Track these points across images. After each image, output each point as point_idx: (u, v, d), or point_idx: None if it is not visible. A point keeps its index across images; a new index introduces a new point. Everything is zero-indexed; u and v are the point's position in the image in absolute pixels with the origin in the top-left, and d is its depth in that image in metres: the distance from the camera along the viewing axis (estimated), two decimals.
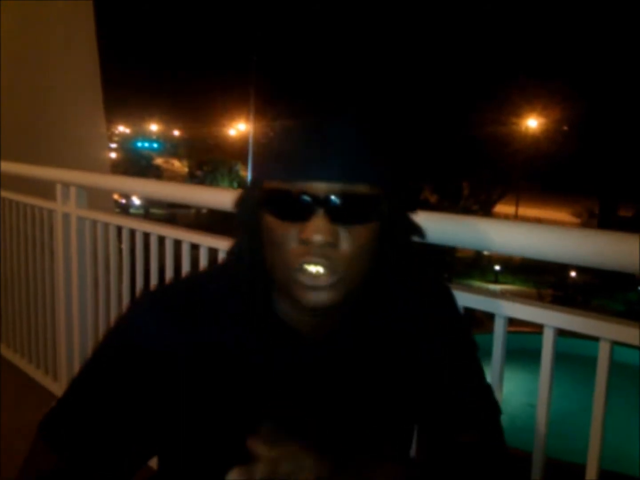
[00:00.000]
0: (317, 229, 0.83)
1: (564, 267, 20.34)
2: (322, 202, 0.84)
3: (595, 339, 1.24)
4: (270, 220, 0.87)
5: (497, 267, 22.69)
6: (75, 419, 0.92)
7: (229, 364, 0.93)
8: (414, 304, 1.02)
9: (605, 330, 1.20)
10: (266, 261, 0.91)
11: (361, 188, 0.85)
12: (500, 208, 28.01)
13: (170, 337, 0.92)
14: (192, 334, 0.92)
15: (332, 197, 0.84)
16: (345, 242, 0.85)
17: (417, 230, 0.98)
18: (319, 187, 0.84)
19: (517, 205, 28.04)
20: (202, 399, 0.93)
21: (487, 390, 1.05)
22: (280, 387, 0.95)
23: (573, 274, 20.74)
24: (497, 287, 20.46)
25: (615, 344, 1.21)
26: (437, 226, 1.42)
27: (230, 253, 0.98)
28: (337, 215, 0.84)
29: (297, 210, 0.85)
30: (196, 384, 0.92)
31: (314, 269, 0.85)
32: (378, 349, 0.99)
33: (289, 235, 0.85)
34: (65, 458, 0.90)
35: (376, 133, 0.89)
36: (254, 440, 0.75)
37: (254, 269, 0.93)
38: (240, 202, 0.95)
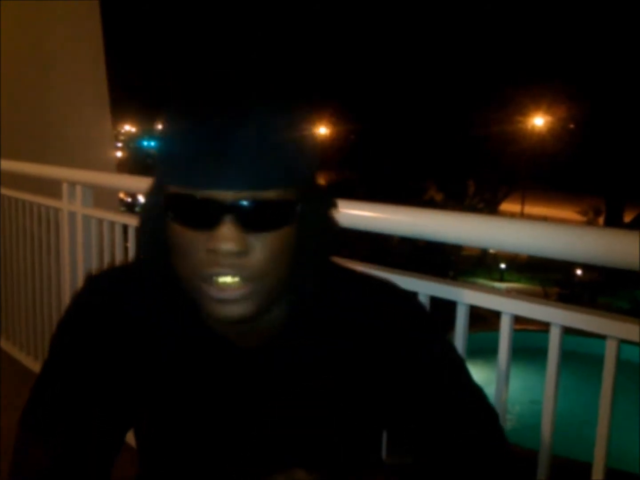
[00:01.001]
0: (225, 238, 0.77)
1: (570, 265, 20.27)
2: (229, 208, 0.77)
3: (600, 337, 1.23)
4: (176, 228, 0.81)
5: (502, 265, 22.64)
6: (52, 402, 0.93)
7: (157, 359, 0.94)
8: (355, 300, 0.94)
9: (611, 328, 1.20)
10: (177, 272, 0.85)
11: (271, 193, 0.79)
12: (506, 206, 27.94)
13: (114, 319, 0.94)
14: (127, 320, 0.94)
15: (240, 203, 0.77)
16: (257, 250, 0.80)
17: (335, 225, 0.92)
18: (227, 193, 0.77)
19: (522, 204, 27.98)
20: (147, 386, 0.95)
21: (476, 396, 0.96)
22: (212, 399, 0.94)
23: (579, 271, 20.68)
24: (502, 285, 20.43)
25: (621, 341, 1.21)
26: (444, 225, 1.42)
27: (138, 259, 0.95)
28: (247, 222, 0.78)
29: (204, 217, 0.79)
30: (140, 369, 0.94)
31: (222, 280, 0.79)
32: (319, 351, 0.93)
33: (196, 244, 0.79)
34: (53, 441, 0.91)
35: (287, 133, 0.80)
36: None
37: (162, 279, 0.89)
38: (144, 208, 0.89)
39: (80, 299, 0.99)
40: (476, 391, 0.96)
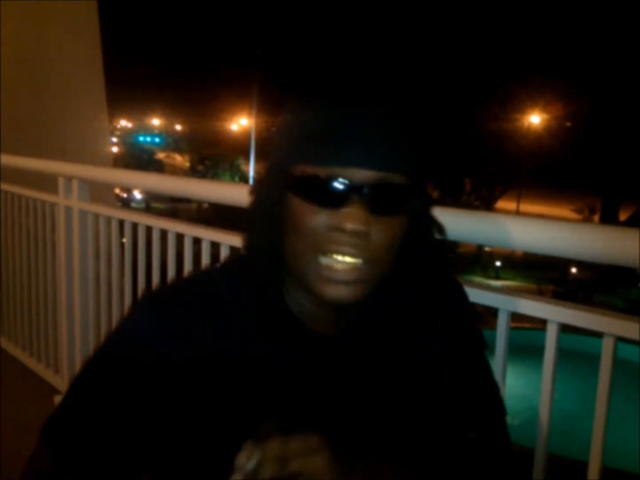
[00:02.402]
0: (353, 217, 0.79)
1: (565, 263, 20.30)
2: (359, 189, 0.80)
3: (597, 335, 1.23)
4: (300, 206, 0.82)
5: (498, 263, 22.68)
6: (75, 424, 0.89)
7: (237, 365, 0.90)
8: (425, 301, 0.98)
9: (609, 325, 1.20)
10: (286, 250, 0.86)
11: (397, 178, 0.82)
12: (502, 204, 27.96)
13: (174, 340, 0.88)
14: (197, 336, 0.88)
15: (370, 184, 0.80)
16: (378, 234, 0.81)
17: (439, 226, 0.95)
18: (357, 173, 0.80)
19: (518, 202, 28.00)
20: (211, 404, 0.89)
21: (493, 389, 1.02)
22: (292, 387, 0.91)
23: (574, 270, 20.73)
24: (498, 282, 20.42)
25: (618, 339, 1.21)
26: (450, 221, 1.40)
27: (246, 244, 0.93)
28: (373, 204, 0.80)
29: (333, 196, 0.80)
30: (204, 388, 0.89)
31: (341, 258, 0.81)
32: (389, 346, 0.95)
33: (321, 221, 0.81)
34: (62, 462, 0.87)
35: (412, 122, 0.84)
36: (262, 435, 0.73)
37: (271, 258, 0.89)
38: (259, 188, 0.90)
39: (136, 322, 0.92)
40: (492, 387, 1.01)
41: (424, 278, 0.97)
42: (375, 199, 0.80)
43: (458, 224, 1.37)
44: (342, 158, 0.80)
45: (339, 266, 0.81)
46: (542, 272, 20.83)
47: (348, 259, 0.81)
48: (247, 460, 0.72)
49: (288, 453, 0.73)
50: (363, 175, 0.80)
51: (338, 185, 0.80)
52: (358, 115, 0.80)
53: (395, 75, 0.85)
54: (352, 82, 0.84)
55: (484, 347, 1.02)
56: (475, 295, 1.38)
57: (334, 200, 0.80)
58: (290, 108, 0.86)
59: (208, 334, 0.89)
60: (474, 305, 1.39)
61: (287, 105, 0.87)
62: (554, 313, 1.27)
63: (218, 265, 1.06)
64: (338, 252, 0.81)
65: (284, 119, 0.87)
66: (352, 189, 0.80)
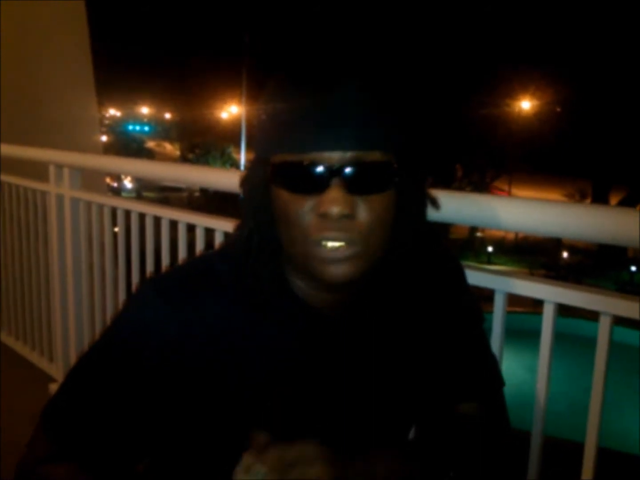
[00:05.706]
0: (334, 201, 0.79)
1: (556, 248, 20.43)
2: (336, 172, 0.79)
3: (594, 320, 1.23)
4: (283, 196, 0.83)
5: (489, 248, 22.75)
6: (74, 409, 0.89)
7: (244, 348, 0.89)
8: (422, 277, 0.98)
9: (606, 304, 1.19)
10: (280, 237, 0.87)
11: (375, 155, 0.81)
12: (493, 190, 28.00)
13: (179, 325, 0.87)
14: (200, 321, 0.88)
15: (347, 166, 0.80)
16: (363, 213, 0.81)
17: (432, 200, 0.94)
18: (333, 156, 0.79)
19: (509, 187, 28.06)
20: (214, 388, 0.89)
21: (491, 361, 1.04)
22: (301, 368, 0.91)
23: (565, 254, 20.84)
24: (490, 267, 20.50)
25: (615, 320, 1.21)
26: (449, 204, 1.39)
27: (239, 233, 0.92)
28: (353, 185, 0.80)
29: (312, 182, 0.80)
30: (209, 373, 0.88)
31: (332, 244, 0.81)
32: (391, 326, 0.96)
33: (305, 209, 0.81)
34: (60, 448, 0.87)
35: (387, 97, 0.84)
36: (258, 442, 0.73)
37: (266, 247, 0.89)
38: (247, 180, 0.90)
39: (140, 308, 0.91)
40: (490, 358, 1.05)
41: (420, 254, 0.96)
42: (354, 180, 0.80)
43: (464, 207, 1.35)
44: (315, 143, 0.80)
45: (332, 251, 0.82)
46: (533, 256, 20.95)
47: (337, 244, 0.81)
48: (246, 473, 0.71)
49: (287, 462, 0.72)
50: (339, 157, 0.80)
51: (315, 171, 0.80)
52: (328, 97, 0.80)
53: (364, 54, 0.85)
54: (319, 65, 0.83)
55: (482, 321, 1.03)
56: (472, 276, 1.37)
57: (314, 187, 0.81)
58: (264, 98, 0.86)
59: (213, 318, 0.88)
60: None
61: (262, 95, 0.87)
62: (551, 293, 1.27)
63: (216, 250, 1.05)
64: (326, 240, 0.81)
65: (261, 109, 0.87)
66: (330, 172, 0.80)
